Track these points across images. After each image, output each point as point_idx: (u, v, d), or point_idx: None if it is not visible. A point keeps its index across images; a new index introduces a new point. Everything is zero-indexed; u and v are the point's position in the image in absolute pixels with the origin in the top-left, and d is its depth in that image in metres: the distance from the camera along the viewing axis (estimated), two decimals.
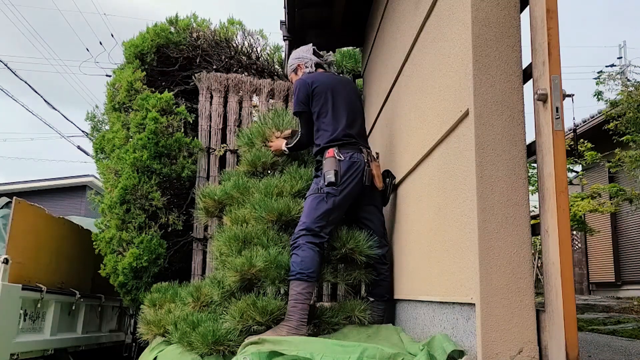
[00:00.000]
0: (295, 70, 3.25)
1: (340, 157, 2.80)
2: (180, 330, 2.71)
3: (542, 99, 1.75)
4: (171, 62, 4.64)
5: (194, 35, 4.74)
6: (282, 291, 2.72)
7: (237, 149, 4.09)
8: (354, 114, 3.01)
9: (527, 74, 1.90)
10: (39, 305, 3.91)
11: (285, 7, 4.41)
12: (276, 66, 5.02)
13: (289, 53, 4.89)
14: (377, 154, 3.07)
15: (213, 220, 3.79)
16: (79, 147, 15.28)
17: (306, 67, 3.18)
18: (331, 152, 2.81)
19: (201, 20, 4.87)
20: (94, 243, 4.12)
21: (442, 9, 2.26)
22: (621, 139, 7.27)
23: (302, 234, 2.67)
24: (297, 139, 3.14)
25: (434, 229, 2.28)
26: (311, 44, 3.31)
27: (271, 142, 3.29)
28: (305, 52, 3.25)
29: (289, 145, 3.18)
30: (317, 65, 3.19)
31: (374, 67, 4.15)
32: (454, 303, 2.03)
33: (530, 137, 1.87)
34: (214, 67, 4.64)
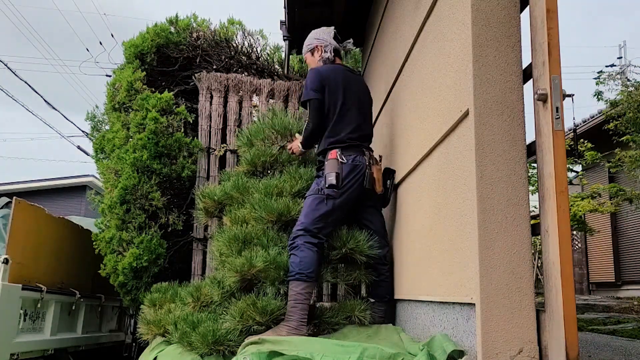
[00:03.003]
0: (312, 51, 3.14)
1: (342, 159, 2.78)
2: (180, 330, 2.71)
3: (542, 99, 1.75)
4: (171, 62, 4.64)
5: (194, 35, 4.74)
6: (282, 291, 2.72)
7: (237, 149, 4.09)
8: (362, 115, 2.97)
9: (527, 74, 1.90)
10: (39, 305, 3.91)
11: (285, 7, 4.41)
12: (276, 66, 5.02)
13: (289, 53, 4.90)
14: (380, 157, 3.05)
15: (213, 220, 3.79)
16: (79, 147, 15.26)
17: (325, 51, 3.07)
18: (334, 153, 2.79)
19: (201, 20, 4.87)
20: (94, 243, 4.12)
21: (442, 9, 2.26)
22: (621, 139, 7.27)
23: (300, 234, 2.67)
24: (309, 131, 2.97)
25: (434, 229, 2.28)
26: (333, 27, 3.20)
27: (289, 146, 3.22)
28: (326, 35, 3.12)
29: (303, 142, 3.07)
30: (335, 52, 3.10)
31: (374, 67, 4.15)
32: (454, 303, 2.03)
33: (530, 137, 1.87)
34: (214, 67, 4.64)
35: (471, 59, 1.88)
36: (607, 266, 10.04)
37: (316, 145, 3.06)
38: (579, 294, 9.83)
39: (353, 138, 2.86)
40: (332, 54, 3.08)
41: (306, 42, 3.20)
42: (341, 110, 2.89)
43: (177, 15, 4.78)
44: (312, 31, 3.22)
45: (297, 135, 3.27)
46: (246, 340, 2.30)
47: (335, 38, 3.13)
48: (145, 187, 3.93)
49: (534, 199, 2.74)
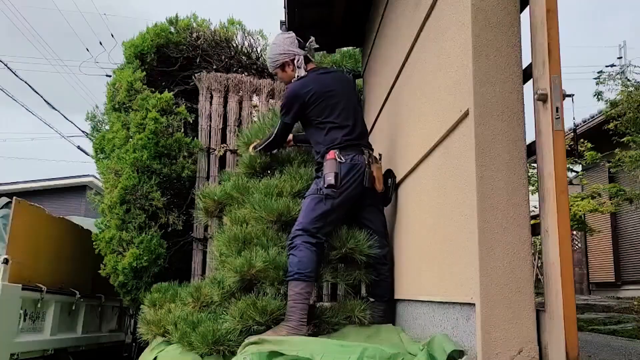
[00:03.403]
0: (282, 67, 3.06)
1: (341, 159, 2.77)
2: (180, 330, 2.71)
3: (542, 99, 1.75)
4: (171, 62, 4.64)
5: (194, 35, 4.74)
6: (281, 291, 2.72)
7: (237, 149, 4.09)
8: (354, 113, 2.96)
9: (527, 74, 1.90)
10: (39, 305, 3.91)
11: (285, 7, 4.41)
12: None
13: None
14: (380, 155, 3.05)
15: (213, 220, 3.79)
16: (79, 147, 15.25)
17: (298, 66, 2.98)
18: (332, 154, 2.79)
19: (201, 20, 4.87)
20: (94, 243, 4.12)
21: (442, 9, 2.26)
22: (621, 139, 7.26)
23: (299, 234, 2.67)
24: (269, 141, 3.11)
25: (434, 229, 2.28)
26: (292, 32, 3.07)
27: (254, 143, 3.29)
28: (289, 46, 3.00)
29: (259, 148, 3.18)
30: (306, 60, 3.03)
31: (374, 67, 4.15)
32: (454, 303, 2.03)
33: (530, 137, 1.87)
34: (214, 67, 4.64)
35: (471, 59, 1.88)
36: (607, 266, 10.04)
37: (315, 153, 3.05)
38: (579, 294, 9.83)
39: (350, 139, 2.86)
40: (304, 65, 3.01)
41: (270, 58, 3.08)
42: (332, 113, 2.87)
43: (177, 15, 4.78)
44: (272, 45, 3.11)
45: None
46: (246, 340, 2.30)
47: (300, 44, 3.03)
48: (145, 187, 3.93)
49: (534, 199, 2.74)
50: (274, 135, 3.09)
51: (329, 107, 2.88)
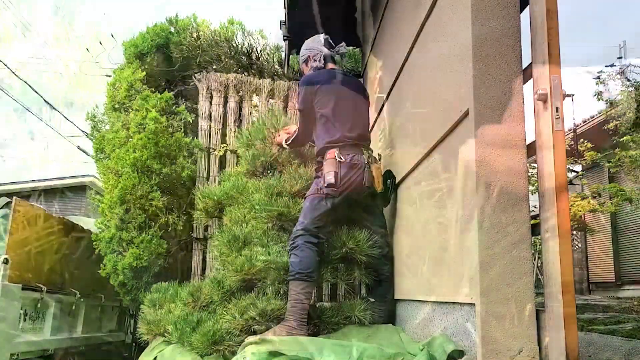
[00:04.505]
0: (305, 62, 3.22)
1: (340, 158, 2.78)
2: (180, 330, 2.71)
3: (542, 99, 1.75)
4: (171, 62, 4.64)
5: (194, 35, 4.74)
6: (282, 291, 2.72)
7: (237, 149, 4.09)
8: (358, 115, 2.99)
9: (527, 74, 1.90)
10: (39, 305, 3.91)
11: (285, 7, 4.41)
12: (276, 66, 5.02)
13: (289, 53, 4.90)
14: (379, 155, 3.05)
15: (213, 221, 3.79)
16: (79, 147, 15.21)
17: (314, 60, 3.13)
18: (332, 153, 2.80)
19: (201, 21, 4.87)
20: (94, 243, 4.12)
21: (442, 9, 2.26)
22: (621, 139, 7.27)
23: (300, 234, 2.67)
24: (294, 135, 3.16)
25: (434, 229, 2.28)
26: (323, 34, 3.24)
27: (277, 136, 3.33)
28: (316, 43, 3.18)
29: (287, 143, 3.20)
30: (327, 59, 3.14)
31: (373, 67, 4.15)
32: (454, 303, 2.03)
33: (530, 137, 1.87)
34: (214, 67, 4.64)
35: (471, 58, 1.88)
36: (607, 266, 10.04)
37: (316, 151, 3.06)
38: (579, 294, 9.82)
39: (350, 137, 2.86)
40: (322, 61, 3.13)
41: (300, 54, 3.27)
42: (334, 111, 2.90)
43: (177, 15, 4.78)
44: (305, 41, 3.27)
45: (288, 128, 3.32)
46: (246, 340, 2.30)
47: (327, 44, 3.16)
48: (145, 187, 3.93)
49: (534, 199, 2.73)
50: (297, 128, 3.15)
51: (333, 104, 2.91)
